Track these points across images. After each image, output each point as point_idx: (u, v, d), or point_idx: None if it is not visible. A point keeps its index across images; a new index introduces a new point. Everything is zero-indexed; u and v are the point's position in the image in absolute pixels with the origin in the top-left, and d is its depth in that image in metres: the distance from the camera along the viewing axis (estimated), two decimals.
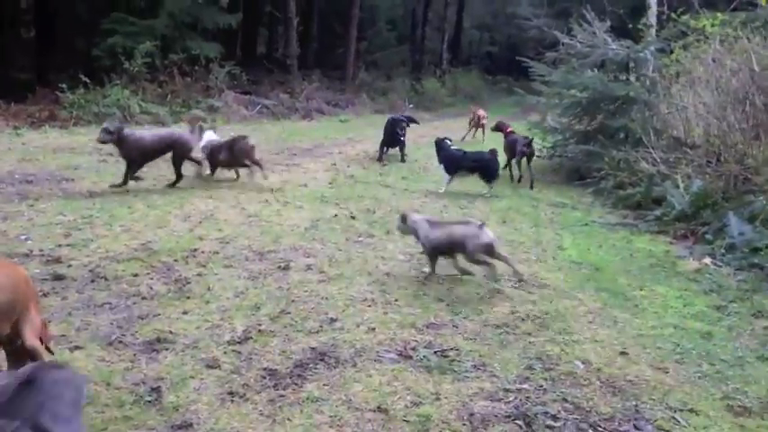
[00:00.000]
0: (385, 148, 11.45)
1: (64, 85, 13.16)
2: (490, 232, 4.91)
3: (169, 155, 7.59)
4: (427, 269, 5.08)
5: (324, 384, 3.26)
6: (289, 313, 4.17)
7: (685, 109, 9.43)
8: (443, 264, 5.04)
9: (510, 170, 10.05)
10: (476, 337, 3.96)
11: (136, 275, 4.63)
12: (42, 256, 4.93)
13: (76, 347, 3.51)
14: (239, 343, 3.68)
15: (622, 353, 3.87)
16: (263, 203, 7.30)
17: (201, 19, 16.48)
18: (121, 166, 7.49)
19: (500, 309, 4.47)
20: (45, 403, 1.59)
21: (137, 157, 7.33)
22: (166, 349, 3.54)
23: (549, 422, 3.05)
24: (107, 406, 2.95)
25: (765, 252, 5.80)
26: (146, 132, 7.82)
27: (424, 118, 19.92)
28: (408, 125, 11.64)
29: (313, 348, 3.66)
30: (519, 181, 9.90)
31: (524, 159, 9.73)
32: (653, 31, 12.60)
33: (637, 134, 9.54)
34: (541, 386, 3.38)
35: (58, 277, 4.51)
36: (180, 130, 7.79)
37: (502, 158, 9.25)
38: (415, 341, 3.85)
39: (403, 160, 11.37)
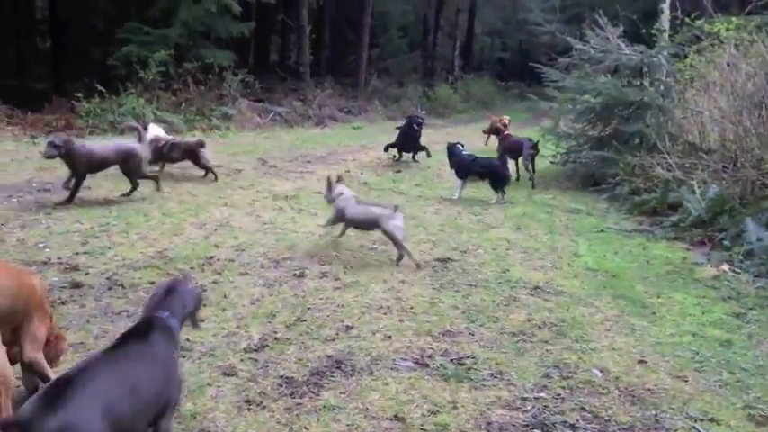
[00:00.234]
0: (399, 153, 11.79)
1: (79, 95, 13.27)
2: (401, 217, 5.55)
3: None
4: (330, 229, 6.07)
5: (340, 392, 3.26)
6: (305, 321, 4.18)
7: (700, 114, 9.37)
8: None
9: (518, 171, 10.48)
10: (492, 345, 3.94)
11: (152, 283, 4.65)
12: (60, 264, 4.99)
13: None
14: (256, 350, 3.70)
15: (641, 361, 3.83)
16: (277, 211, 7.33)
17: (215, 28, 16.57)
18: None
19: (516, 316, 4.45)
20: (184, 303, 2.69)
21: (86, 170, 7.10)
22: (183, 357, 3.54)
23: (568, 431, 3.03)
24: None
25: None
26: (95, 145, 7.56)
27: (436, 124, 19.95)
28: (425, 123, 12.14)
29: (329, 356, 3.66)
30: (517, 180, 10.25)
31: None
32: (666, 35, 12.51)
33: (651, 139, 9.49)
34: (559, 395, 3.36)
35: (76, 285, 4.56)
36: (129, 141, 7.64)
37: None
38: (432, 349, 3.84)
39: (415, 159, 11.86)
